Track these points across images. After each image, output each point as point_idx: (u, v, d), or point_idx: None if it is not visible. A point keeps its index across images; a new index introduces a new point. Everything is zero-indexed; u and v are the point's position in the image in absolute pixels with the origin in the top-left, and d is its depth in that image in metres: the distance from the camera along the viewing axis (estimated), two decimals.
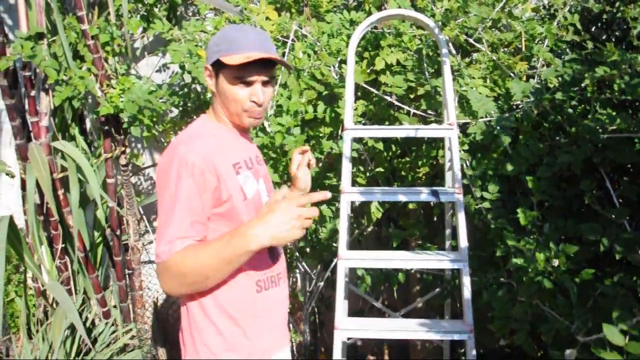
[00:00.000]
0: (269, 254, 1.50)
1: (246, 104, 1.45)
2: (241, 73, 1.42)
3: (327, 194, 1.32)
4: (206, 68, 1.51)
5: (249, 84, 1.44)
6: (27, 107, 2.55)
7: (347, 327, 2.04)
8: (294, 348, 3.23)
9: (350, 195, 2.12)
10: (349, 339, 2.54)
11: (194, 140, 1.43)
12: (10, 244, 2.63)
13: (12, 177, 2.70)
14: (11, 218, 2.56)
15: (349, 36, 2.53)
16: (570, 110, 2.12)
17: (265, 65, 1.44)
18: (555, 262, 1.80)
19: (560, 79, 2.25)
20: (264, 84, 1.46)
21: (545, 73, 2.26)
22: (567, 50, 2.42)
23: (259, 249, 1.29)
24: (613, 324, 1.50)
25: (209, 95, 2.73)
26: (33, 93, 2.54)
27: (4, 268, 2.51)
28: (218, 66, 1.45)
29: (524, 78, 2.43)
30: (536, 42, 2.41)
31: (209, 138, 1.46)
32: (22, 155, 2.53)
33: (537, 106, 2.19)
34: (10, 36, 2.94)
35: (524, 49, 2.38)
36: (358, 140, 2.59)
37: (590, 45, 2.19)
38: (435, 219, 2.71)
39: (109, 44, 2.58)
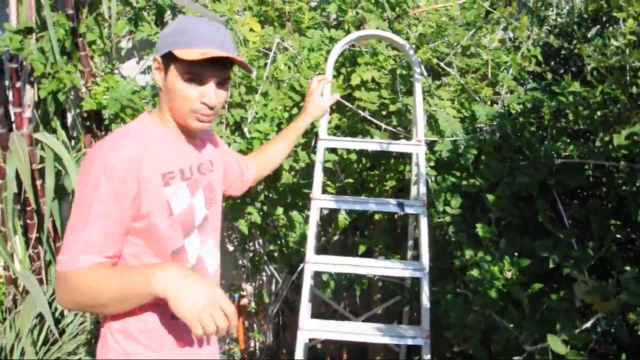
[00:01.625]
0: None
1: (195, 104, 1.30)
2: (195, 70, 1.28)
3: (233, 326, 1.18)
4: (155, 60, 1.35)
5: (201, 82, 1.30)
6: (12, 98, 2.61)
7: (311, 328, 2.15)
8: (257, 348, 3.32)
9: (321, 202, 2.24)
10: (310, 340, 2.65)
11: (121, 142, 1.27)
12: None
13: None
14: None
15: (328, 52, 2.66)
16: (529, 135, 2.29)
17: (223, 65, 1.31)
18: (509, 275, 1.94)
19: (521, 105, 2.42)
20: (219, 84, 1.33)
21: (508, 99, 2.43)
22: (529, 79, 2.60)
23: (158, 296, 1.15)
24: (557, 334, 1.65)
25: None
26: (18, 85, 2.60)
27: None
28: (169, 59, 1.30)
29: (489, 103, 2.59)
30: (501, 70, 2.58)
31: (140, 140, 1.30)
32: (3, 144, 2.58)
33: (499, 129, 2.35)
34: None
35: (490, 75, 2.55)
36: (331, 151, 2.72)
37: (550, 76, 2.36)
38: (399, 230, 2.84)
39: (95, 42, 2.67)
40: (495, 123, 2.37)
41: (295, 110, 2.54)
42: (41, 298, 2.67)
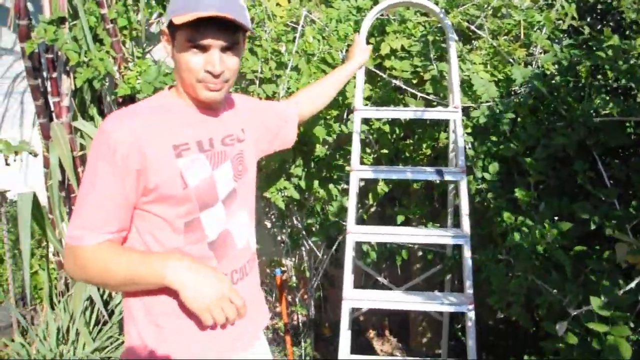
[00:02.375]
0: (214, 254, 1.34)
1: (200, 74, 1.24)
2: (193, 35, 1.20)
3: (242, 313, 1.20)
4: (163, 32, 1.30)
5: (204, 49, 1.23)
6: (50, 88, 2.67)
7: (354, 297, 2.18)
8: (300, 322, 3.37)
9: (360, 172, 2.25)
10: (353, 311, 2.68)
11: (129, 116, 1.25)
12: (34, 220, 2.77)
13: (35, 155, 2.83)
14: (34, 195, 2.70)
15: (356, 22, 2.64)
16: (566, 95, 2.24)
17: (226, 28, 1.22)
18: (549, 239, 1.92)
19: (557, 65, 2.36)
20: (224, 50, 1.24)
21: (543, 58, 2.38)
22: (564, 37, 2.53)
23: (170, 285, 1.17)
24: (600, 297, 1.63)
25: None
26: (55, 75, 2.66)
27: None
28: (173, 29, 1.24)
29: (523, 64, 2.54)
30: (535, 30, 2.52)
31: (149, 114, 1.27)
32: (45, 134, 2.66)
33: (535, 90, 2.30)
34: (33, 21, 3.05)
35: (522, 36, 2.49)
36: (364, 122, 2.71)
37: (587, 31, 2.29)
38: (435, 200, 2.83)
39: (126, 27, 2.70)
40: (531, 84, 2.32)
41: None
42: None
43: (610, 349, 1.50)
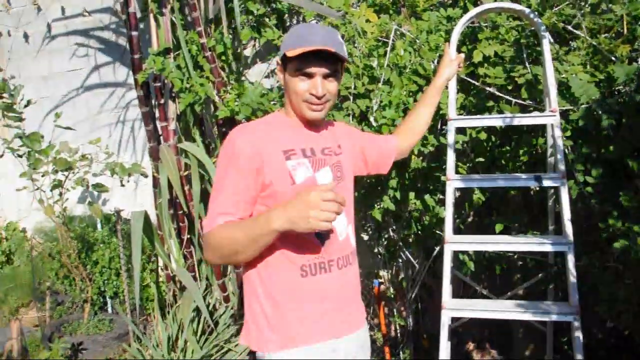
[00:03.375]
0: (319, 240, 1.53)
1: (305, 95, 1.52)
2: (301, 65, 1.50)
3: (332, 184, 1.40)
4: (277, 62, 1.61)
5: (309, 76, 1.51)
6: (157, 114, 2.88)
7: (453, 307, 2.16)
8: (398, 333, 3.37)
9: (455, 182, 2.24)
10: (453, 321, 2.65)
11: (248, 128, 1.55)
12: (145, 236, 2.98)
13: (146, 177, 3.05)
14: (146, 213, 2.91)
15: (447, 32, 2.64)
16: None
17: (327, 59, 1.50)
18: None
19: None
20: (326, 77, 1.52)
21: None
22: None
23: (279, 230, 1.36)
24: None
25: None
26: (162, 101, 2.87)
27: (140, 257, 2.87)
28: (285, 61, 1.54)
29: (627, 61, 2.42)
30: (638, 23, 2.39)
31: (265, 126, 1.58)
32: (154, 156, 2.86)
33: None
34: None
35: (625, 31, 2.37)
36: (459, 132, 2.69)
37: None
38: (534, 207, 2.75)
39: (224, 53, 2.86)
40: (635, 82, 2.20)
41: (419, 95, 2.54)
42: (197, 293, 2.92)
43: None
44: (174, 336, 3.00)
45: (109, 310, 4.09)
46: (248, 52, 3.34)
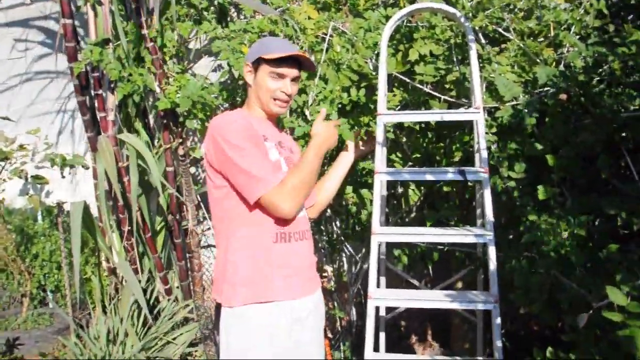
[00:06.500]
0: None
1: (276, 93, 1.88)
2: (277, 67, 1.85)
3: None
4: (246, 65, 1.91)
5: (281, 77, 1.87)
6: (97, 105, 2.87)
7: (380, 296, 2.22)
8: (340, 327, 3.42)
9: (383, 175, 2.30)
10: (387, 313, 2.71)
11: (234, 114, 1.88)
12: (86, 229, 2.97)
13: (87, 168, 3.04)
14: (85, 204, 2.89)
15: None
16: (593, 92, 2.21)
17: (295, 65, 1.89)
18: (565, 235, 1.91)
19: (583, 62, 2.34)
20: (293, 80, 1.90)
21: (569, 57, 2.36)
22: (594, 35, 2.50)
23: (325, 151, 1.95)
24: (617, 286, 1.61)
25: None
26: (100, 92, 2.86)
27: (80, 249, 2.85)
28: (258, 63, 1.87)
29: (553, 64, 2.52)
30: (562, 29, 2.50)
31: (239, 115, 1.88)
32: (93, 146, 2.85)
33: (562, 89, 2.28)
34: (82, 43, 3.28)
35: (552, 33, 2.47)
36: (400, 127, 2.75)
37: (612, 28, 2.27)
38: (468, 203, 2.83)
39: (166, 45, 2.87)
40: (557, 82, 2.31)
41: (353, 90, 2.60)
42: (136, 286, 2.93)
43: (626, 340, 1.48)
44: (114, 329, 2.99)
45: (50, 304, 4.04)
46: (193, 45, 3.34)
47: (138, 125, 3.09)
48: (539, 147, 2.29)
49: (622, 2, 2.55)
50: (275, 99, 1.89)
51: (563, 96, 2.27)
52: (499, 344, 2.07)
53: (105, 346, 2.86)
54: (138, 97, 2.76)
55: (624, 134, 2.11)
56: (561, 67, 2.47)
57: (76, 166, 3.13)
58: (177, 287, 3.27)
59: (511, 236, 2.43)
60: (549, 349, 1.79)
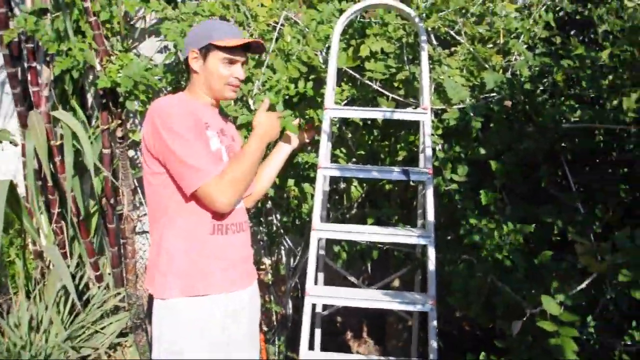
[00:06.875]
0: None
1: (229, 79, 1.85)
2: (230, 54, 1.82)
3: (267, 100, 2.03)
4: (193, 51, 1.84)
5: (233, 62, 1.85)
6: (29, 78, 2.70)
7: (317, 293, 2.19)
8: (275, 321, 3.38)
9: (326, 170, 2.27)
10: (324, 309, 2.69)
11: (174, 99, 1.83)
12: (11, 209, 2.79)
13: (16, 145, 2.86)
14: (11, 183, 2.72)
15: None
16: (538, 102, 2.25)
17: (245, 50, 1.88)
18: (509, 240, 1.93)
19: (529, 71, 2.38)
20: (242, 64, 1.88)
21: (517, 65, 2.40)
22: (542, 46, 2.55)
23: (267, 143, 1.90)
24: (552, 295, 1.64)
25: None
26: (34, 64, 2.69)
27: (4, 230, 2.68)
28: (207, 50, 1.82)
29: (500, 71, 2.55)
30: (512, 36, 2.53)
31: (180, 101, 1.83)
32: (23, 122, 2.69)
33: (508, 96, 2.31)
34: (16, 11, 3.08)
35: (501, 40, 2.50)
36: (347, 123, 2.72)
37: (558, 40, 2.31)
38: (410, 202, 2.85)
39: (109, 21, 2.73)
40: (504, 89, 2.34)
41: (301, 82, 2.55)
42: (64, 271, 2.79)
43: (556, 348, 1.51)
44: (38, 317, 2.84)
45: None
46: (140, 24, 3.20)
47: (74, 103, 2.93)
48: (483, 151, 2.32)
49: (568, 16, 2.61)
50: (228, 84, 1.87)
51: (508, 103, 2.30)
52: (434, 345, 2.08)
53: (26, 334, 2.71)
54: (77, 73, 2.61)
55: (563, 144, 2.15)
56: (508, 75, 2.50)
57: (3, 142, 2.94)
58: (109, 274, 3.14)
59: (449, 237, 2.45)
60: (482, 353, 1.81)
